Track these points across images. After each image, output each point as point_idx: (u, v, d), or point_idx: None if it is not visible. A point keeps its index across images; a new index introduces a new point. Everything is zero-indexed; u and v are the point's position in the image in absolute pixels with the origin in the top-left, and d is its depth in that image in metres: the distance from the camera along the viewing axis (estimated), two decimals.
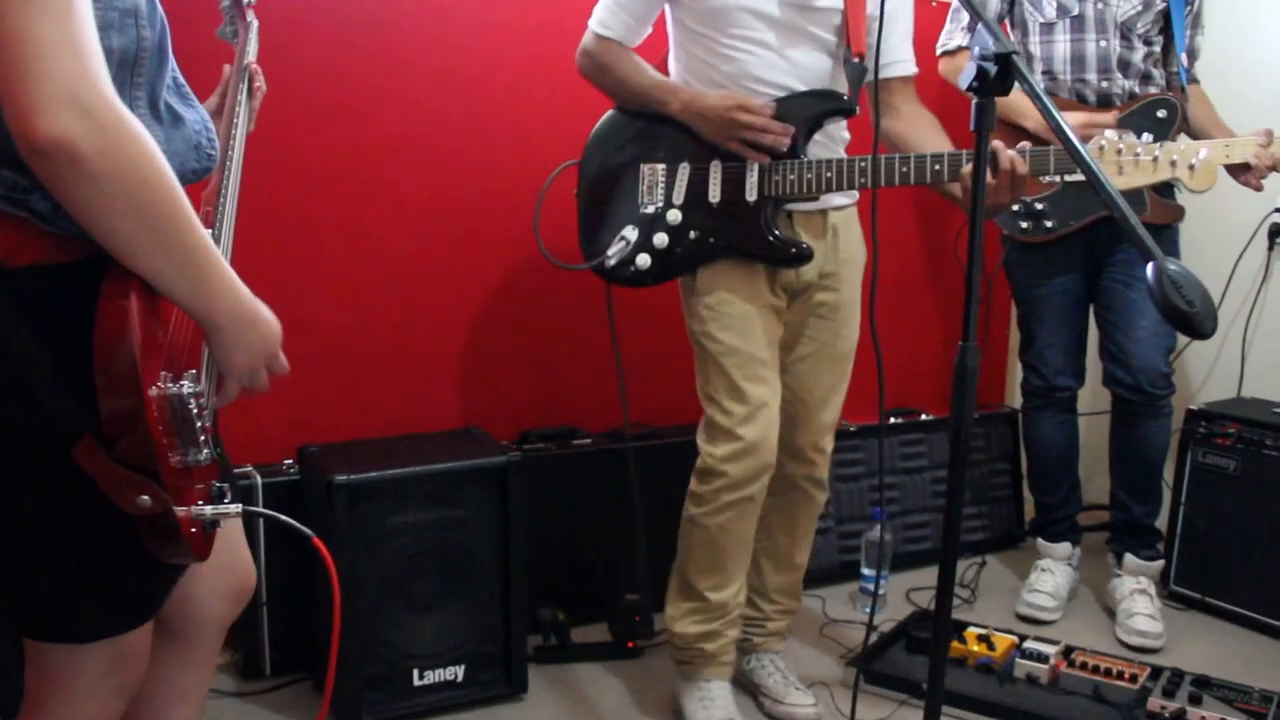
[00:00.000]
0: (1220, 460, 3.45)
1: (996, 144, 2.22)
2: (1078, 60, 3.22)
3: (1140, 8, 3.18)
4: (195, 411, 1.34)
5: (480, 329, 3.17)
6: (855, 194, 2.66)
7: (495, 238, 3.13)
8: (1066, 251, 3.32)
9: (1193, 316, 1.37)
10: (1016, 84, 1.54)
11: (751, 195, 2.46)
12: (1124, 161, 2.33)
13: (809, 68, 2.47)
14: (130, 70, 1.33)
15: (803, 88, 2.46)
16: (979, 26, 1.59)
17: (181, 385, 1.32)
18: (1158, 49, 3.24)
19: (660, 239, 2.52)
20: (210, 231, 1.51)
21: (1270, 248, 3.78)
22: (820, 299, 2.61)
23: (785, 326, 2.62)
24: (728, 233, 2.49)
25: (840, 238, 2.60)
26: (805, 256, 2.49)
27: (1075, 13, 3.21)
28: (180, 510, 1.33)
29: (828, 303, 2.61)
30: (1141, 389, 3.27)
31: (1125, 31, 3.19)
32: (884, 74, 2.48)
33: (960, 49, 3.37)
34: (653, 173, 2.54)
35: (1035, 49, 3.29)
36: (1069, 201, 3.26)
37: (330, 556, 1.57)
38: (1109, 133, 2.34)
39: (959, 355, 1.55)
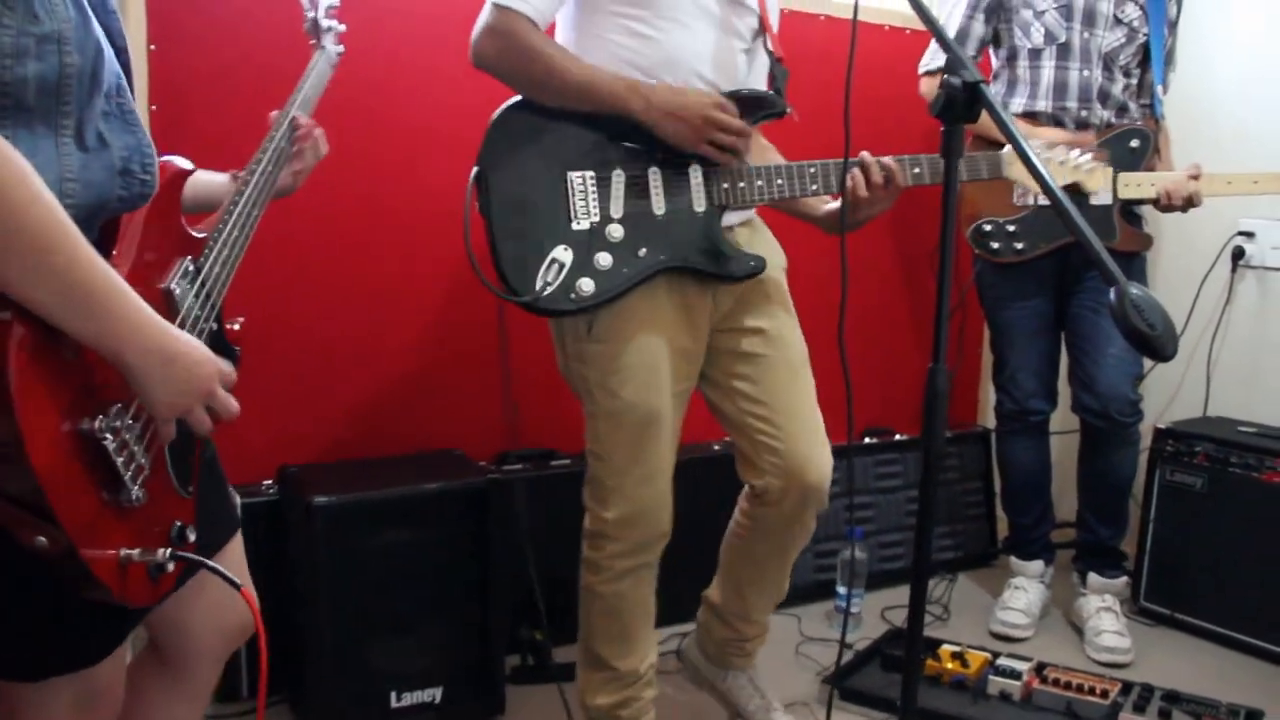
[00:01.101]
0: (1188, 478, 3.50)
1: (865, 154, 2.24)
2: (1060, 88, 3.28)
3: (1124, 40, 3.24)
4: (115, 448, 1.30)
5: (459, 351, 3.19)
6: (751, 211, 2.49)
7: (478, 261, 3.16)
8: (1036, 275, 3.37)
9: (1154, 339, 1.40)
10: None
11: (700, 205, 2.26)
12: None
13: (731, 65, 2.33)
14: (54, 97, 1.29)
15: (722, 85, 2.29)
16: (948, 57, 1.63)
17: (86, 421, 1.27)
18: (1135, 81, 3.30)
19: (603, 259, 2.20)
20: (185, 263, 1.53)
21: (1233, 270, 3.84)
22: (755, 324, 2.43)
23: (719, 354, 2.44)
24: (680, 247, 2.25)
25: (757, 242, 2.43)
26: (762, 267, 2.33)
27: (1062, 40, 3.27)
28: (95, 553, 1.27)
29: (764, 311, 2.43)
30: (1109, 416, 3.32)
31: (1108, 62, 3.25)
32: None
33: (941, 70, 3.40)
34: (583, 181, 2.22)
35: (1023, 73, 3.35)
36: (1040, 224, 3.31)
37: (259, 613, 1.53)
38: (1035, 142, 2.38)
39: (929, 377, 1.57)
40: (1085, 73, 3.26)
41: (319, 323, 2.99)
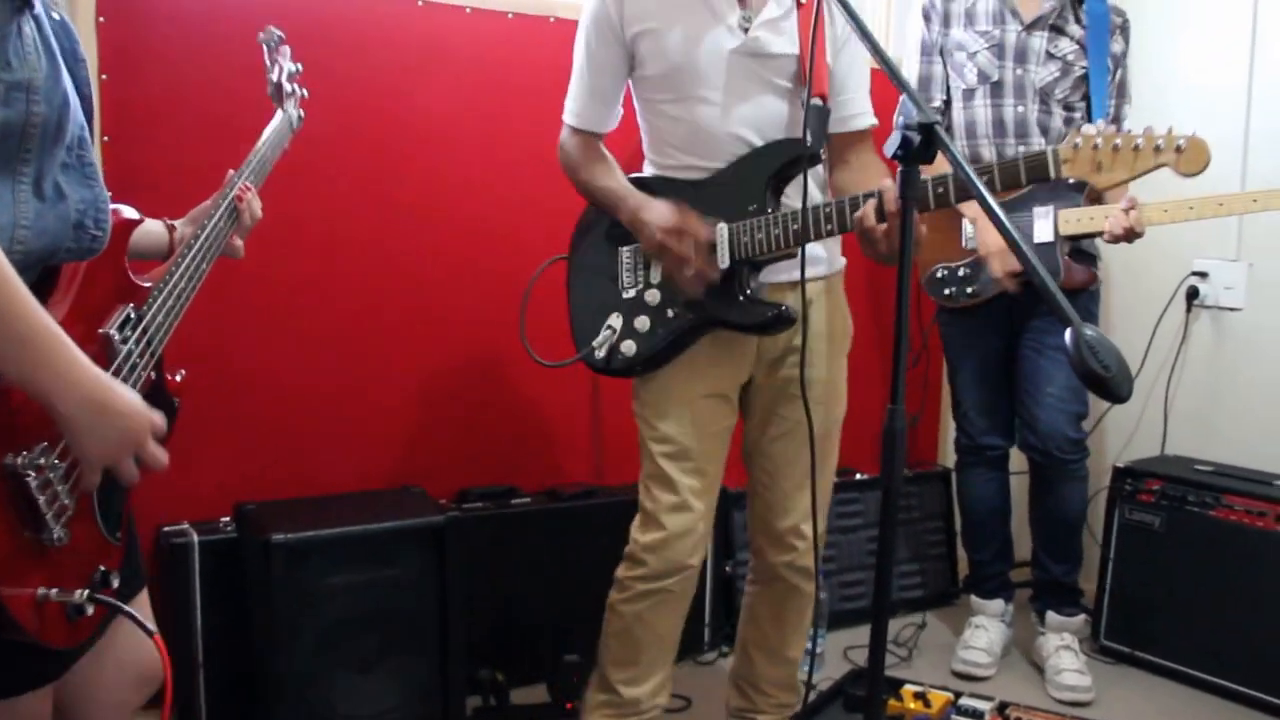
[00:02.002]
0: (1146, 517, 3.53)
1: (886, 182, 2.13)
2: (998, 124, 3.33)
3: (1058, 74, 3.29)
4: (37, 486, 1.29)
5: (419, 387, 3.18)
6: (834, 264, 2.55)
7: (438, 298, 3.15)
8: (987, 315, 3.41)
9: (1109, 381, 1.41)
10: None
11: (724, 261, 2.34)
12: (1100, 156, 2.10)
13: (767, 117, 2.37)
14: (16, 145, 1.29)
15: (759, 140, 2.36)
16: (903, 97, 1.64)
17: (9, 457, 1.27)
18: (1079, 114, 3.34)
19: (641, 322, 2.43)
20: (126, 311, 1.52)
21: (1188, 309, 3.88)
22: (789, 375, 2.47)
23: (756, 405, 2.54)
24: (703, 305, 2.38)
25: (812, 310, 2.43)
26: (788, 319, 2.35)
27: (995, 79, 3.32)
28: (11, 590, 1.27)
29: (796, 379, 2.41)
30: (1050, 454, 3.37)
31: (1044, 97, 3.30)
32: (844, 127, 2.45)
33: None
34: (631, 255, 2.47)
35: (959, 116, 3.39)
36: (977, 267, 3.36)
37: (168, 658, 1.49)
38: (1087, 127, 2.20)
39: (887, 418, 1.58)
40: (1020, 108, 3.30)
41: (277, 359, 2.98)
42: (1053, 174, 2.09)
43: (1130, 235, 3.05)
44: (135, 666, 1.74)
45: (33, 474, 1.29)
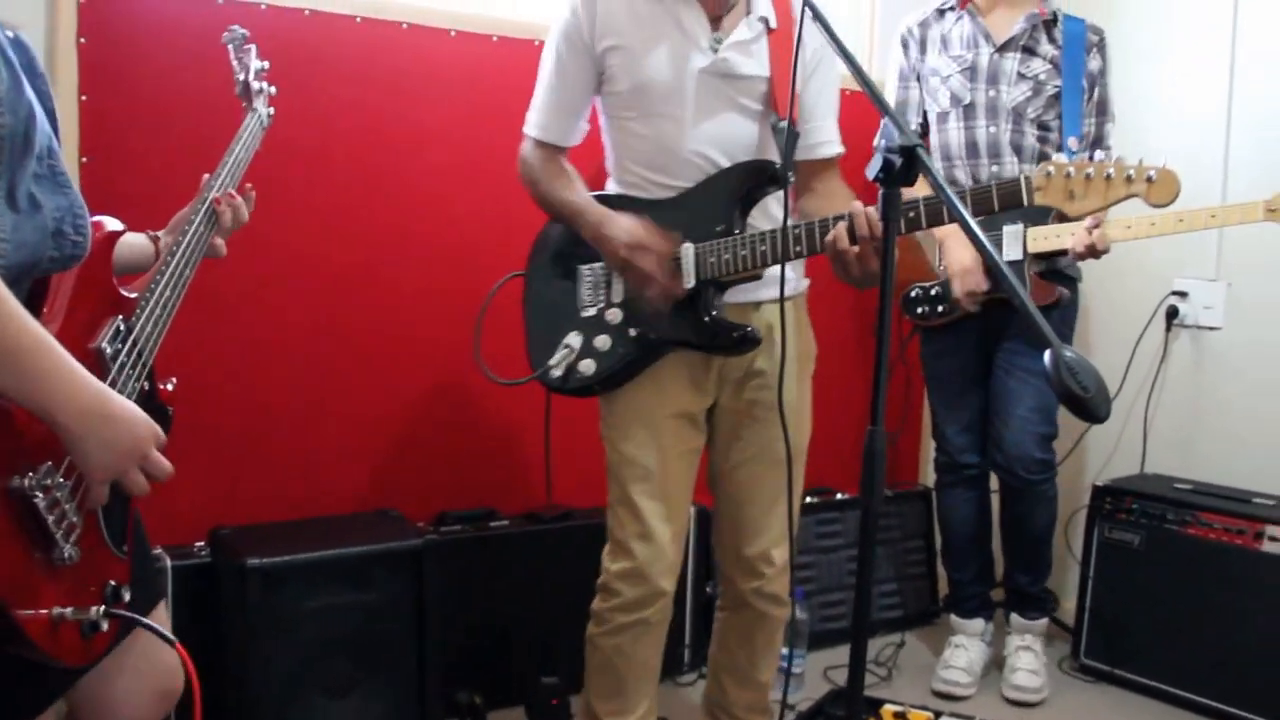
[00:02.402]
0: (1125, 535, 3.53)
1: (856, 205, 2.14)
2: (971, 146, 3.36)
3: (1030, 93, 3.31)
4: (45, 506, 1.29)
5: (397, 409, 3.16)
6: (799, 285, 2.54)
7: (413, 319, 3.14)
8: (961, 334, 3.44)
9: (1088, 402, 1.42)
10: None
11: (690, 281, 2.33)
12: (1073, 185, 2.13)
13: (735, 137, 2.38)
14: None
15: (725, 161, 2.36)
16: (884, 121, 1.65)
17: (15, 479, 1.26)
18: (1055, 134, 3.36)
19: (602, 341, 2.39)
20: (116, 322, 1.51)
21: (1168, 329, 3.90)
22: (752, 398, 2.46)
23: (720, 428, 2.51)
24: (668, 325, 2.36)
25: (775, 332, 2.41)
26: (754, 339, 2.35)
27: (967, 101, 3.36)
28: (26, 612, 1.26)
29: (761, 402, 2.45)
30: (1016, 474, 3.40)
31: (1017, 117, 3.33)
32: (811, 155, 2.46)
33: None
34: (591, 273, 2.43)
35: (934, 138, 3.44)
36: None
37: (191, 665, 1.49)
38: (1058, 157, 2.23)
39: (867, 439, 1.58)
40: (992, 129, 3.33)
41: (253, 382, 2.95)
42: (1026, 201, 2.13)
43: (1093, 252, 3.07)
44: (153, 680, 1.74)
45: (40, 495, 1.29)
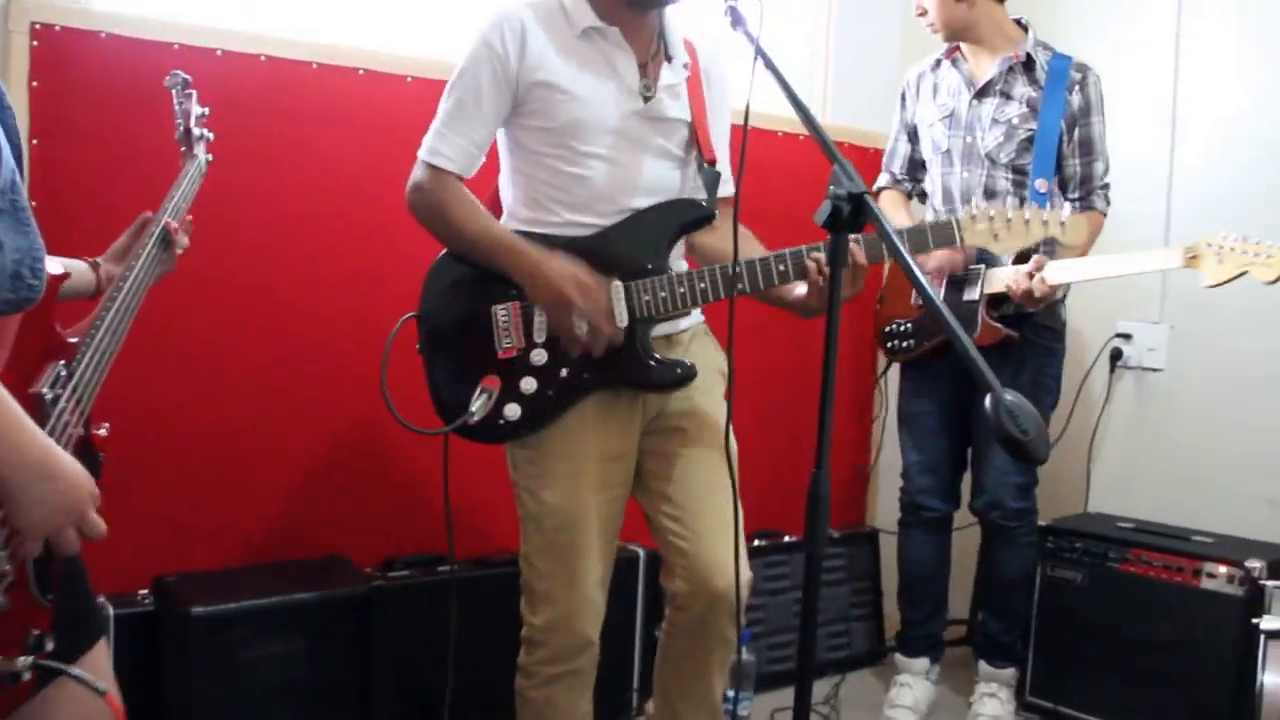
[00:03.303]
0: (1069, 574, 3.57)
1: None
2: (946, 192, 3.44)
3: (1002, 138, 3.36)
4: None
5: (343, 454, 3.14)
6: (700, 316, 2.53)
7: (362, 363, 3.12)
8: (936, 373, 3.48)
9: (1027, 445, 1.44)
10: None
11: (623, 320, 2.29)
12: (995, 227, 2.31)
13: (659, 180, 2.38)
14: None
15: (648, 202, 2.36)
16: (835, 168, 1.67)
17: None
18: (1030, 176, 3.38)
19: (528, 383, 2.30)
20: (58, 368, 1.50)
21: (1112, 371, 3.97)
22: (675, 409, 2.42)
23: (649, 455, 2.44)
24: (603, 365, 2.31)
25: (694, 349, 2.44)
26: (689, 375, 2.34)
27: (945, 149, 3.43)
28: None
29: (687, 412, 2.41)
30: (993, 521, 3.45)
31: (991, 162, 3.37)
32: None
33: (880, 189, 3.67)
34: (506, 313, 2.33)
35: (928, 184, 3.57)
36: (928, 321, 3.45)
37: (124, 715, 1.48)
38: (983, 205, 2.36)
39: (811, 482, 1.60)
40: (965, 174, 3.39)
41: (197, 425, 2.93)
42: (957, 241, 2.32)
43: (1030, 297, 3.10)
44: None
45: None
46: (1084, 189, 3.38)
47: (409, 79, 3.16)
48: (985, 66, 3.40)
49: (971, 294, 3.30)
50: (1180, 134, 3.90)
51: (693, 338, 2.48)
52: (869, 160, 4.11)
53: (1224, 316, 3.71)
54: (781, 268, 2.29)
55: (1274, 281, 2.87)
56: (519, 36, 2.29)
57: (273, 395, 3.03)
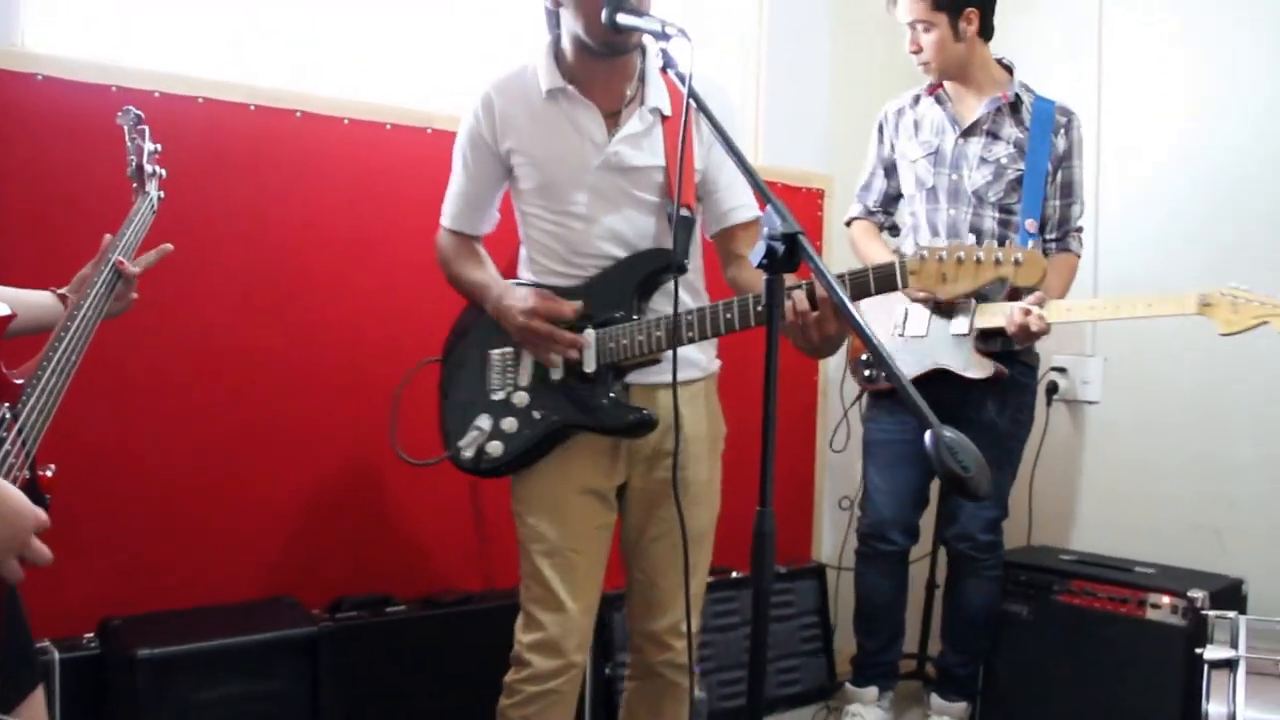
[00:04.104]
0: (1015, 607, 3.60)
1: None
2: (933, 227, 3.45)
3: (991, 177, 3.39)
4: None
5: (291, 495, 3.13)
6: (709, 368, 2.59)
7: (310, 404, 3.13)
8: (907, 408, 3.45)
9: (967, 481, 1.46)
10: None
11: (590, 366, 2.41)
12: (945, 269, 2.22)
13: (634, 229, 2.46)
14: None
15: (625, 253, 2.45)
16: (769, 207, 1.70)
17: None
18: (1017, 216, 3.41)
19: (509, 423, 2.46)
20: (3, 411, 1.49)
21: (1049, 404, 4.02)
22: (663, 477, 2.47)
23: (632, 506, 2.55)
24: (569, 408, 2.44)
25: (688, 411, 2.47)
26: (649, 422, 2.42)
27: (930, 185, 3.45)
28: None
29: (669, 479, 2.43)
30: (962, 552, 3.48)
31: (978, 200, 3.39)
32: (726, 223, 2.53)
33: (853, 219, 3.65)
34: (501, 357, 2.51)
35: (906, 219, 3.56)
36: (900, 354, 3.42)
37: None
38: (925, 240, 2.38)
39: (756, 521, 1.61)
40: (952, 211, 3.41)
41: (144, 467, 2.91)
42: (900, 284, 2.21)
43: (1027, 333, 3.13)
44: None
45: None
46: (1061, 230, 3.44)
47: (345, 121, 3.18)
48: (970, 105, 3.45)
49: (961, 327, 3.30)
50: (1104, 175, 3.98)
51: (696, 395, 2.53)
52: (801, 200, 4.19)
53: (1156, 348, 3.79)
54: (729, 315, 2.31)
55: None
56: (490, 112, 2.48)
57: (219, 437, 3.02)
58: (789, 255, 1.65)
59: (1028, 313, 3.11)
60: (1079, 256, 3.46)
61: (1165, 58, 3.90)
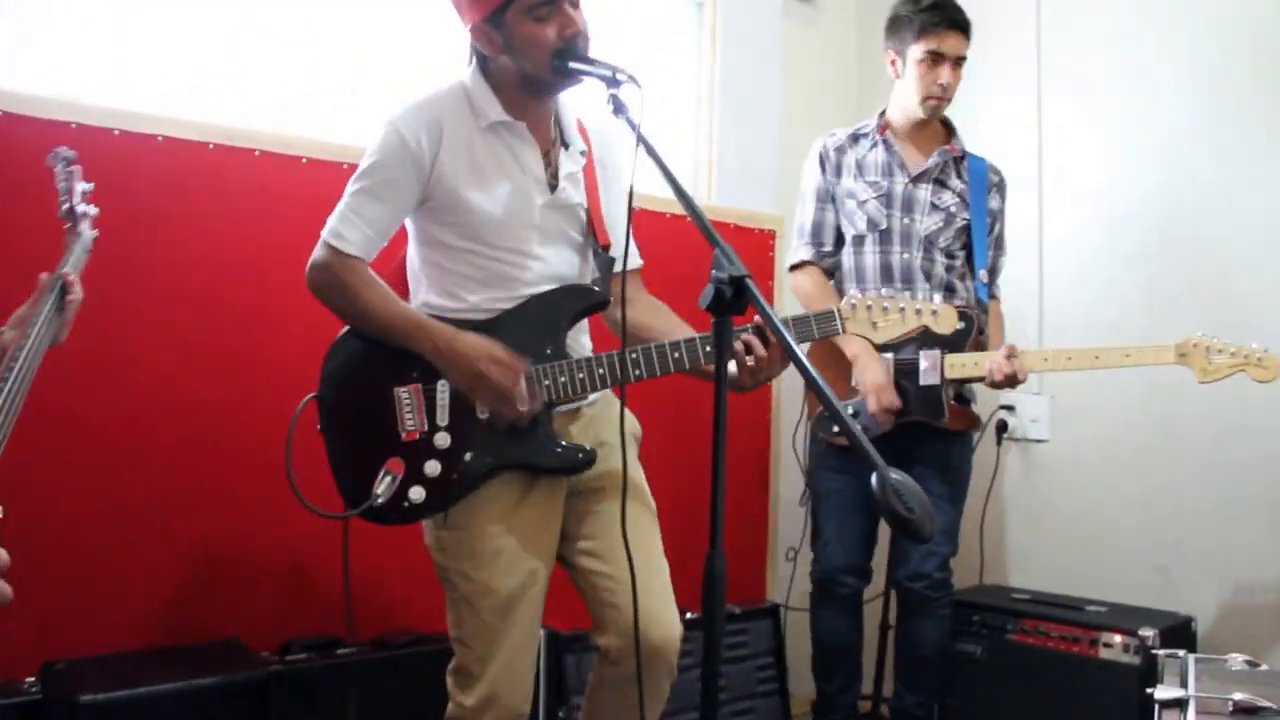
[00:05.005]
0: (968, 646, 3.62)
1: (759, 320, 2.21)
2: (885, 270, 3.47)
3: (941, 224, 3.46)
4: None
5: (239, 534, 3.09)
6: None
7: (255, 445, 3.09)
8: (861, 455, 3.46)
9: (912, 522, 1.48)
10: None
11: (523, 404, 2.33)
12: (874, 316, 2.40)
13: (567, 266, 2.46)
14: None
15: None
16: (716, 252, 1.72)
17: None
18: (960, 263, 3.51)
19: (431, 466, 2.33)
20: None
21: (999, 442, 4.06)
22: (596, 485, 2.47)
23: (568, 515, 2.48)
24: (504, 448, 2.35)
25: (594, 425, 2.48)
26: (590, 460, 2.40)
27: (883, 227, 3.48)
28: None
29: (604, 473, 2.44)
30: (916, 591, 3.48)
31: (928, 245, 3.46)
32: (616, 268, 2.49)
33: (804, 262, 3.61)
34: (409, 395, 2.35)
35: (848, 260, 3.55)
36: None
37: None
38: (853, 291, 2.46)
39: (706, 562, 1.62)
40: (905, 255, 3.46)
41: (89, 507, 2.87)
42: (840, 329, 2.35)
43: (1012, 380, 3.20)
44: None
45: None
46: (991, 279, 3.56)
47: (304, 160, 3.17)
48: (917, 153, 3.53)
49: (932, 379, 3.34)
50: (1047, 211, 4.07)
51: (592, 414, 2.51)
52: (753, 241, 4.21)
53: (1102, 387, 3.84)
54: (676, 355, 2.34)
55: (1269, 381, 3.06)
56: (435, 134, 2.34)
57: (167, 477, 2.98)
58: (736, 298, 1.67)
59: (1010, 361, 3.19)
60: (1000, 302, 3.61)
61: (1103, 105, 4.00)
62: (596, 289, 2.46)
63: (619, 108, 2.14)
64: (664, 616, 2.44)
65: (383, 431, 2.35)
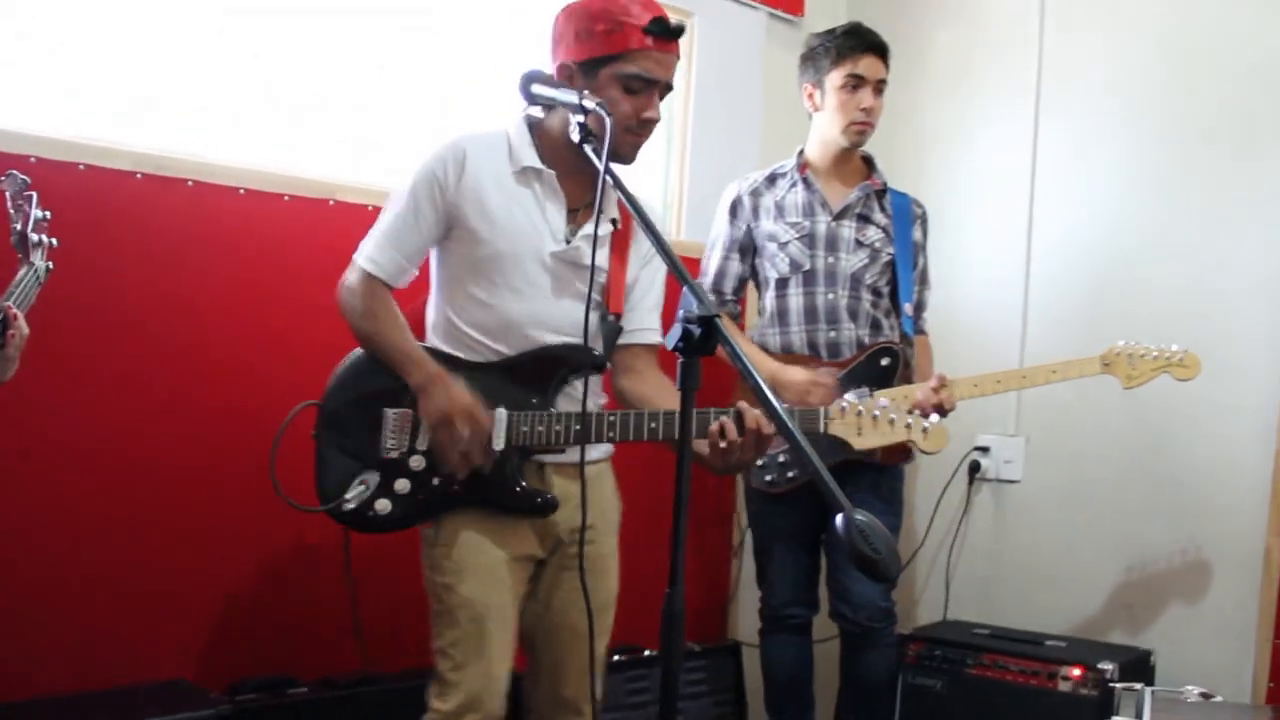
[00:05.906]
0: (929, 681, 3.61)
1: (743, 404, 2.32)
2: (810, 312, 3.44)
3: (867, 260, 3.44)
4: None
5: (186, 572, 3.02)
6: (610, 448, 2.68)
7: (204, 484, 3.03)
8: (797, 497, 3.46)
9: (878, 563, 1.47)
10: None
11: (499, 444, 2.43)
12: (862, 423, 2.48)
13: (569, 321, 2.49)
14: None
15: (555, 339, 2.50)
16: (684, 291, 1.70)
17: None
18: (886, 299, 3.50)
19: (401, 484, 2.47)
20: None
21: (970, 483, 4.07)
22: (575, 552, 2.49)
23: (545, 578, 2.60)
24: (473, 482, 2.46)
25: (593, 490, 2.51)
26: (550, 506, 2.49)
27: (807, 268, 3.44)
28: None
29: (586, 555, 2.47)
30: (862, 623, 3.46)
31: (855, 283, 3.43)
32: (631, 340, 2.62)
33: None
34: (398, 417, 2.49)
35: (770, 303, 3.51)
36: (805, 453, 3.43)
37: None
38: (850, 396, 2.52)
39: (665, 601, 1.60)
40: (830, 295, 3.42)
41: (31, 543, 2.80)
42: (822, 429, 2.48)
43: (940, 410, 3.17)
44: None
45: None
46: (918, 314, 3.56)
47: (241, 191, 3.10)
48: (838, 189, 3.50)
49: None
50: (1034, 245, 4.06)
51: (592, 477, 2.53)
52: None
53: (1077, 428, 3.86)
54: (653, 425, 2.43)
55: (1191, 379, 3.15)
56: (460, 165, 2.46)
57: (110, 513, 2.91)
58: (705, 338, 1.66)
59: (937, 390, 3.18)
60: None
61: (1094, 153, 3.97)
62: (595, 351, 2.50)
63: (584, 137, 2.20)
64: (581, 700, 2.62)
65: (368, 445, 2.50)
